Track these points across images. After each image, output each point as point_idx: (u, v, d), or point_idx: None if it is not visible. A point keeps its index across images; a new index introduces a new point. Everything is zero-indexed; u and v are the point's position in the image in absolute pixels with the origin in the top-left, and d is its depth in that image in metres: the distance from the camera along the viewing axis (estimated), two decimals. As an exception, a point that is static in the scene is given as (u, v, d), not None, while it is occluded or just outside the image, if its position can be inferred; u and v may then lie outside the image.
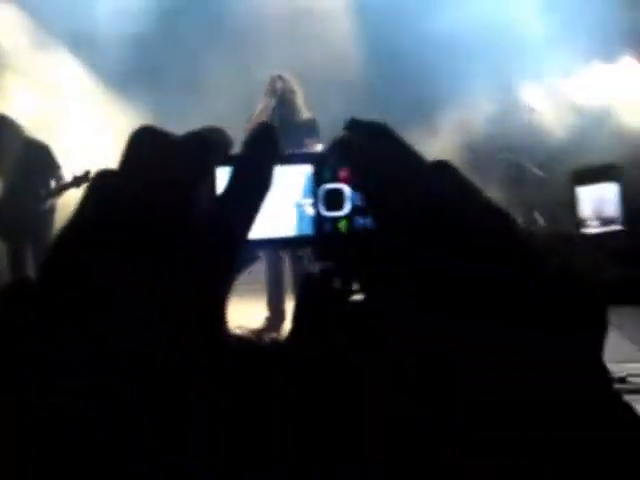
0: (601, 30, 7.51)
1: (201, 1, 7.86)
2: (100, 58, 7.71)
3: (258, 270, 4.81)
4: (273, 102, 5.26)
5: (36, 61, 7.58)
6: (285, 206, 0.49)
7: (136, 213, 0.40)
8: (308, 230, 0.49)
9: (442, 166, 0.46)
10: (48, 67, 7.64)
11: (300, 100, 5.37)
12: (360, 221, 0.49)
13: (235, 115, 6.36)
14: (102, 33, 7.60)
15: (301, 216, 0.49)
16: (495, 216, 0.45)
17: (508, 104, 8.19)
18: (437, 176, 0.45)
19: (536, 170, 8.49)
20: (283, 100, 5.29)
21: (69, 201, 5.77)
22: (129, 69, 7.71)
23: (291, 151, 0.49)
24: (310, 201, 0.49)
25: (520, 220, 8.84)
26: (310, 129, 5.29)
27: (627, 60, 8.47)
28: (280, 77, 5.31)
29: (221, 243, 0.42)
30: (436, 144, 8.01)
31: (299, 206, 0.49)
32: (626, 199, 5.27)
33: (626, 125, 7.93)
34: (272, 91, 5.27)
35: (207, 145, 0.45)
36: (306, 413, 0.39)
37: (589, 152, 6.31)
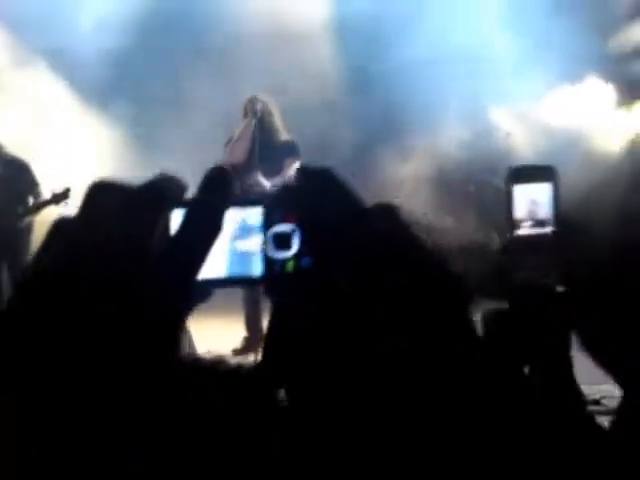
0: (570, 54, 7.72)
1: (182, 18, 7.89)
2: (81, 74, 7.68)
3: (236, 291, 4.81)
4: (253, 122, 5.30)
5: (16, 78, 7.54)
6: (235, 247, 0.52)
7: (92, 263, 0.42)
8: (258, 270, 0.52)
9: (383, 208, 0.50)
10: (28, 84, 7.60)
11: (278, 121, 5.43)
12: (307, 261, 0.52)
13: (215, 132, 6.42)
14: (83, 50, 7.58)
15: (251, 257, 0.52)
16: (431, 257, 0.48)
17: (482, 128, 8.33)
18: (378, 218, 0.49)
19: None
20: (262, 121, 5.33)
21: (47, 219, 5.74)
22: (110, 86, 7.71)
23: (241, 195, 0.52)
24: (260, 242, 0.52)
25: (497, 242, 8.94)
26: (290, 149, 5.33)
27: (595, 82, 8.69)
28: (258, 98, 5.36)
29: (173, 283, 0.44)
30: (409, 167, 8.15)
31: (250, 247, 0.52)
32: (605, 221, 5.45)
33: (596, 147, 8.12)
34: (252, 111, 5.31)
35: (162, 196, 0.47)
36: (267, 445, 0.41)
37: (562, 174, 6.41)
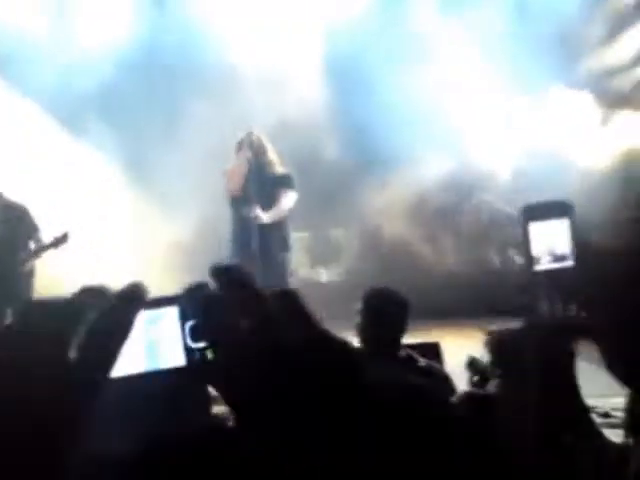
0: (537, 70, 7.93)
1: (176, 54, 8.01)
2: (72, 110, 7.73)
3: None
4: (249, 154, 5.37)
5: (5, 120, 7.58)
6: (155, 342, 0.58)
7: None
8: (181, 360, 0.58)
9: (281, 295, 0.57)
10: (18, 123, 7.65)
11: (272, 154, 5.51)
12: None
13: (209, 164, 6.52)
14: (76, 86, 7.64)
15: (172, 349, 0.58)
16: (328, 343, 0.56)
17: (461, 156, 8.54)
18: (277, 305, 0.56)
19: (509, 209, 8.68)
20: (258, 154, 5.41)
21: (46, 263, 5.78)
22: (105, 121, 7.78)
23: (158, 296, 0.58)
24: (179, 336, 0.58)
25: (497, 260, 9.01)
26: (285, 181, 5.41)
27: (562, 94, 8.88)
28: (253, 132, 5.44)
29: (84, 384, 0.51)
30: (390, 195, 8.32)
31: (169, 341, 0.58)
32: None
33: (577, 163, 8.28)
34: (248, 145, 5.39)
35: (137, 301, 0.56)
36: None
37: (540, 190, 6.54)
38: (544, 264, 0.97)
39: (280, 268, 5.31)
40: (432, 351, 3.54)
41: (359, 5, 8.51)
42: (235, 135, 5.65)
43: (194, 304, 0.57)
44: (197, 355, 0.57)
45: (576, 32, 8.62)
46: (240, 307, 0.55)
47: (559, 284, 0.90)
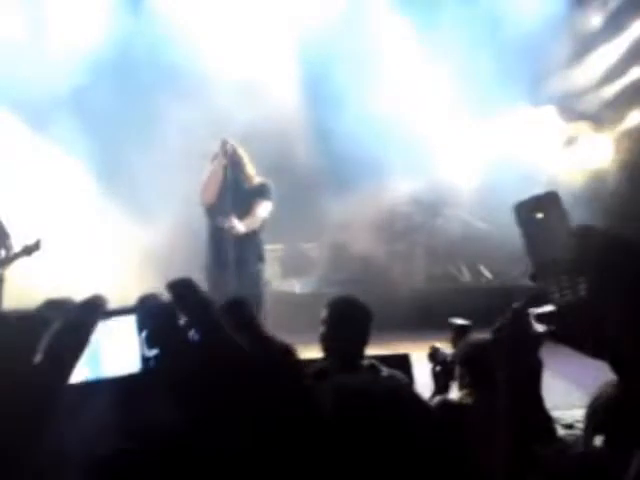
0: (504, 88, 8.12)
1: (149, 58, 7.98)
2: (43, 113, 7.65)
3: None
4: (225, 162, 5.35)
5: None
6: (113, 350, 0.61)
7: None
8: (136, 367, 0.61)
9: (230, 306, 0.61)
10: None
11: (247, 163, 5.48)
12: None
13: (183, 168, 6.51)
14: (47, 88, 7.54)
15: (128, 356, 0.61)
16: (275, 352, 0.60)
17: (431, 169, 8.67)
18: (226, 316, 0.60)
19: (479, 223, 8.79)
20: (233, 162, 5.38)
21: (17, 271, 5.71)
22: (76, 124, 7.70)
23: (114, 308, 0.62)
24: (136, 343, 0.61)
25: (467, 275, 9.11)
26: (262, 191, 5.40)
27: (528, 113, 9.08)
28: (227, 142, 5.41)
29: (43, 390, 0.54)
30: (366, 211, 8.42)
31: (127, 349, 0.61)
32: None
33: (538, 174, 8.45)
34: (223, 152, 5.37)
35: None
36: None
37: (507, 204, 6.66)
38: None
39: (255, 278, 5.30)
40: (402, 363, 3.56)
41: (333, 15, 8.61)
42: (208, 139, 5.64)
43: (145, 313, 0.60)
44: (152, 363, 0.60)
45: (544, 52, 8.81)
46: (189, 317, 0.58)
47: (564, 270, 0.93)
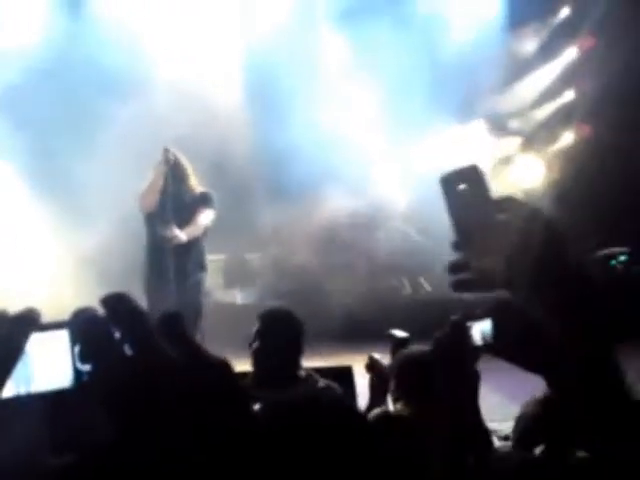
0: (437, 108, 8.34)
1: (89, 60, 7.85)
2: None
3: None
4: (165, 170, 5.28)
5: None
6: (47, 363, 0.60)
7: None
8: (68, 380, 0.60)
9: (164, 320, 0.61)
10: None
11: (190, 172, 5.43)
12: None
13: (124, 174, 6.41)
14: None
15: (60, 370, 0.60)
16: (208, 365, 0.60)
17: (369, 183, 8.83)
18: (159, 329, 0.60)
19: (418, 237, 8.94)
20: (174, 170, 5.32)
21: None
22: (10, 128, 7.48)
23: (47, 322, 0.61)
24: (69, 357, 0.61)
25: (407, 287, 9.24)
26: (204, 200, 5.35)
27: (461, 132, 9.35)
28: (168, 150, 5.35)
29: None
30: (309, 223, 8.49)
31: (59, 362, 0.60)
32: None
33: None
34: (165, 161, 5.30)
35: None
36: None
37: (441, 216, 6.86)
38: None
39: (195, 288, 5.23)
40: (344, 375, 3.56)
41: (278, 24, 8.67)
42: (146, 143, 5.57)
43: (79, 328, 0.60)
44: (84, 376, 0.60)
45: (478, 75, 9.07)
46: (122, 331, 0.58)
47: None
